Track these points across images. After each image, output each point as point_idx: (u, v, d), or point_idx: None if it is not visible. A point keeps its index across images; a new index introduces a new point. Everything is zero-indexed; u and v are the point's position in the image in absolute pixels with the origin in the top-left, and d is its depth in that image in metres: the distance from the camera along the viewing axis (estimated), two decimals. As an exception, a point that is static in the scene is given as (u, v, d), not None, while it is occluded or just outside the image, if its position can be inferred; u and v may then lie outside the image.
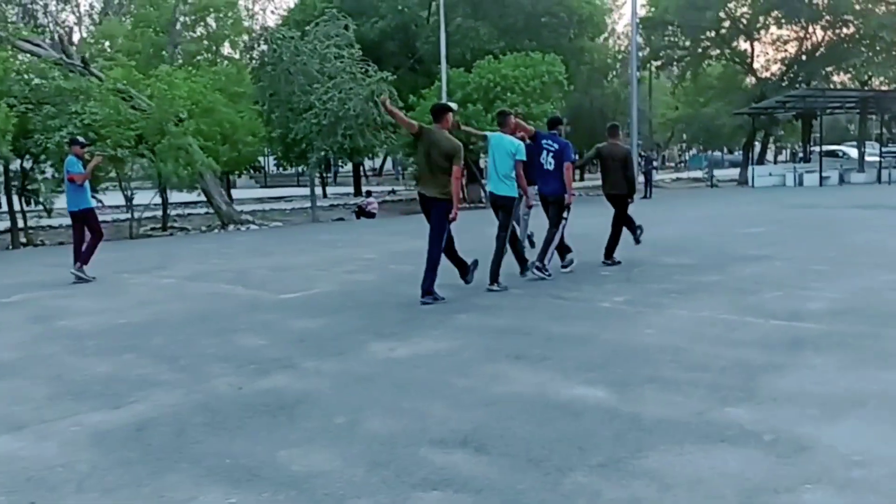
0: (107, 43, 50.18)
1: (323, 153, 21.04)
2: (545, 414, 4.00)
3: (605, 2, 35.49)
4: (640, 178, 27.73)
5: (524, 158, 8.15)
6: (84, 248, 9.97)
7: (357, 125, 20.55)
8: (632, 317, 6.42)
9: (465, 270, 8.03)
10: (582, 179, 41.77)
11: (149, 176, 18.52)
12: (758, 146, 41.61)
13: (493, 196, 8.28)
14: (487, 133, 8.88)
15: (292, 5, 32.04)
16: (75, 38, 60.19)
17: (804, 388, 4.31)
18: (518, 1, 26.93)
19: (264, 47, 21.52)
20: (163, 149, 18.31)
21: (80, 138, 11.27)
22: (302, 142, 21.12)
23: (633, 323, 6.17)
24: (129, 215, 19.22)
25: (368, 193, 24.15)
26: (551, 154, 8.68)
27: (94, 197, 12.12)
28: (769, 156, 61.62)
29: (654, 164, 28.82)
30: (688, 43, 40.54)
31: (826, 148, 45.23)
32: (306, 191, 46.01)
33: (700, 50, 39.73)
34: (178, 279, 9.81)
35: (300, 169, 37.12)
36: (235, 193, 42.44)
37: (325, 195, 39.62)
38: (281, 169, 48.02)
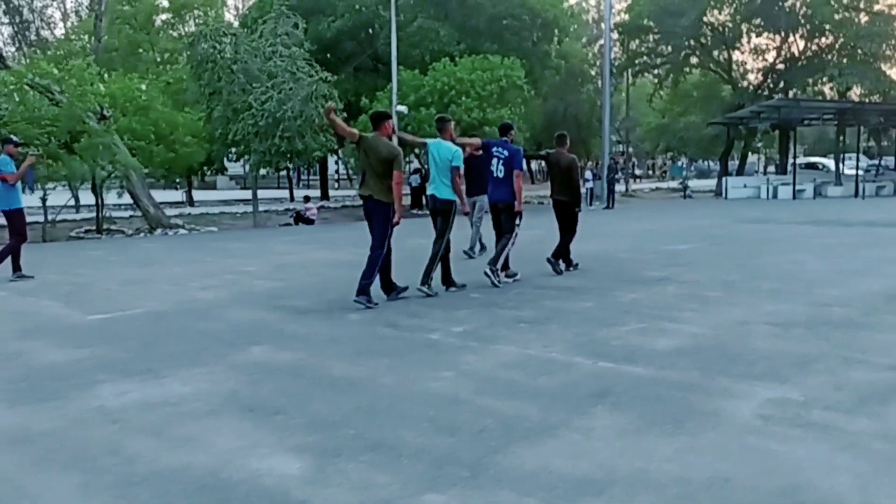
0: (86, 38, 49.46)
1: (261, 155, 20.10)
2: (200, 498, 3.12)
3: (573, 5, 34.57)
4: (605, 187, 26.94)
5: (460, 164, 8.17)
6: (2, 248, 9.98)
7: (296, 127, 19.65)
8: (447, 353, 5.54)
9: (391, 289, 7.94)
10: (533, 182, 40.93)
11: (63, 176, 17.58)
12: (737, 157, 40.84)
13: (434, 199, 8.27)
14: (427, 140, 8.72)
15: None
16: (58, 32, 59.51)
17: (548, 465, 3.42)
18: (479, 2, 26.07)
19: (205, 44, 20.53)
20: (83, 147, 17.46)
21: (14, 137, 11.10)
22: (240, 143, 20.22)
23: (439, 362, 5.28)
24: (43, 217, 18.28)
25: (307, 199, 23.26)
26: (501, 161, 8.78)
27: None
28: (759, 167, 60.99)
29: (618, 174, 27.87)
30: (668, 50, 39.78)
31: (807, 160, 44.54)
32: (282, 193, 45.40)
33: (681, 57, 38.93)
34: (10, 292, 8.93)
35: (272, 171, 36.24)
36: (204, 195, 41.82)
37: (292, 199, 38.85)
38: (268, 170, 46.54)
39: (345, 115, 29.53)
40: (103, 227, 20.00)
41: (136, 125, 19.71)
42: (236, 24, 30.60)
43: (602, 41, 34.39)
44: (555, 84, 39.42)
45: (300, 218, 21.50)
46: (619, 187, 31.52)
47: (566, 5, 31.86)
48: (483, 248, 11.84)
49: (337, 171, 54.58)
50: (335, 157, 34.58)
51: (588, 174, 27.31)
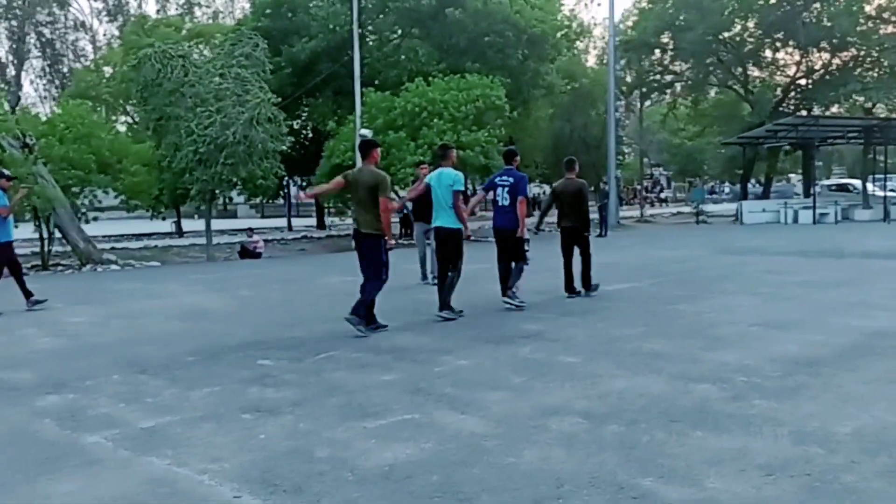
0: (107, 69, 49.33)
1: (203, 184, 18.67)
2: None
3: (580, 22, 32.82)
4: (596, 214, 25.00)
5: (462, 188, 8.28)
6: (18, 282, 10.03)
7: (239, 153, 18.22)
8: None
9: (369, 321, 7.54)
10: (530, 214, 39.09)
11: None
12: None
13: (439, 230, 8.35)
14: (428, 181, 8.57)
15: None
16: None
17: None
18: (460, 19, 24.48)
19: (152, 66, 19.28)
20: (-1, 178, 16.21)
21: (6, 171, 10.94)
22: (184, 172, 18.86)
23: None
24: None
25: (250, 231, 21.72)
26: (507, 189, 8.66)
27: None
28: (799, 188, 57.75)
29: (607, 199, 25.85)
30: (681, 67, 37.73)
31: (838, 181, 41.78)
32: (301, 221, 43.86)
33: (699, 75, 36.79)
34: None
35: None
36: (217, 224, 40.51)
37: (290, 227, 37.49)
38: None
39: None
40: (49, 262, 18.76)
41: (74, 154, 18.45)
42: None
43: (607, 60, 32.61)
44: (562, 105, 37.64)
45: (246, 252, 19.98)
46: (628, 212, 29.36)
47: (560, 21, 30.06)
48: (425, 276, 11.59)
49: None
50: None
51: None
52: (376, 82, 25.83)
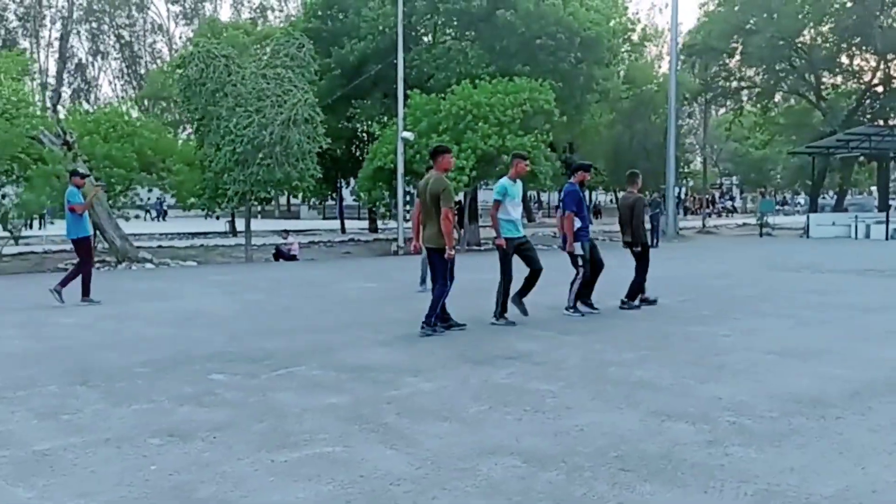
0: (180, 71, 50.44)
1: (241, 185, 18.52)
2: None
3: (627, 24, 31.69)
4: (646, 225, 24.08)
5: (499, 198, 8.27)
6: (69, 272, 10.58)
7: (276, 154, 18.03)
8: None
9: (445, 320, 7.79)
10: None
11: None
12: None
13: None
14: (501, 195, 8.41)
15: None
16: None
17: None
18: (511, 21, 23.80)
19: (195, 66, 19.29)
20: (37, 174, 16.41)
21: (80, 170, 11.43)
22: (223, 173, 18.76)
23: None
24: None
25: (285, 233, 21.44)
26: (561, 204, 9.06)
27: None
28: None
29: (659, 209, 24.80)
30: (752, 72, 36.25)
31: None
32: (359, 224, 43.70)
33: (770, 81, 35.24)
34: None
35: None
36: (277, 224, 40.50)
37: (343, 230, 37.37)
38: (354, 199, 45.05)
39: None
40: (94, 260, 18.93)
41: (116, 152, 18.57)
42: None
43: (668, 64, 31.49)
44: (622, 110, 36.64)
45: (280, 254, 19.76)
46: (687, 222, 28.26)
47: (621, 24, 29.10)
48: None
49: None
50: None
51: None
52: (429, 83, 25.42)
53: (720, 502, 3.41)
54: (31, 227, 18.65)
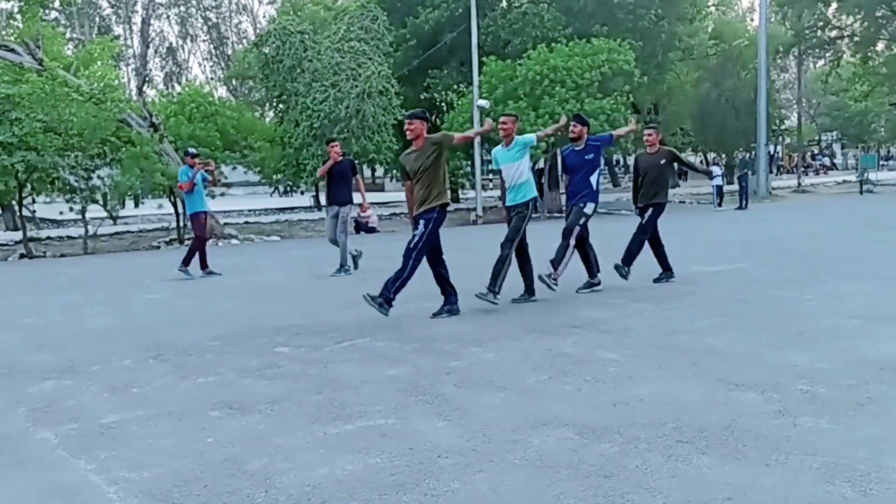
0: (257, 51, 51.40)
1: (319, 160, 18.74)
2: None
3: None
4: (734, 186, 23.21)
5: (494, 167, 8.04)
6: (189, 249, 11.17)
7: (352, 127, 18.17)
8: None
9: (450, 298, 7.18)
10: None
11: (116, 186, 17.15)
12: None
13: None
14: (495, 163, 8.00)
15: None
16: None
17: None
18: (588, -20, 23.21)
19: (272, 44, 19.60)
20: (128, 156, 17.04)
21: (192, 149, 11.87)
22: (302, 148, 19.06)
23: None
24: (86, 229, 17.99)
25: (363, 206, 21.50)
26: None
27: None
28: None
29: (748, 169, 23.80)
30: (850, 21, 34.27)
31: None
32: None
33: (871, 30, 33.24)
34: None
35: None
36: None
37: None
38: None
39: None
40: (185, 237, 19.68)
41: (200, 132, 19.11)
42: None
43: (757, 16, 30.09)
44: (709, 68, 35.33)
45: (360, 227, 19.92)
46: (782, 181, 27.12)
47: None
48: (356, 264, 10.75)
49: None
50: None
51: (717, 170, 23.51)
52: (505, 49, 25.08)
53: (782, 476, 3.23)
54: (124, 206, 19.36)
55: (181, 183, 10.95)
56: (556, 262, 7.73)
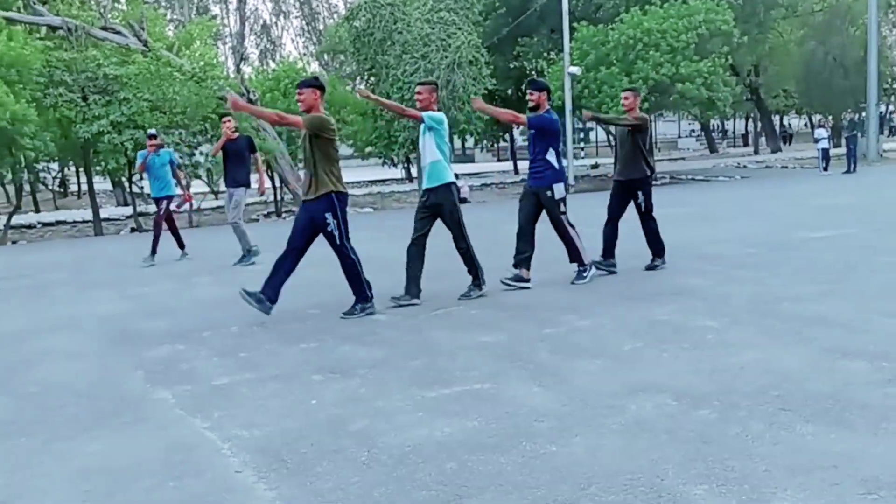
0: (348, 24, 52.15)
1: (409, 132, 18.92)
2: None
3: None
4: (842, 149, 22.12)
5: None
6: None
7: (442, 98, 18.21)
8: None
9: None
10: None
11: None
12: None
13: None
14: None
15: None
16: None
17: None
18: (685, -65, 22.33)
19: (363, 17, 19.81)
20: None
21: (152, 130, 11.48)
22: (394, 121, 19.27)
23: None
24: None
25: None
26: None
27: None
28: None
29: (856, 130, 22.56)
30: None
31: None
32: (505, 165, 43.66)
33: None
34: None
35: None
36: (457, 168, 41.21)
37: (516, 171, 37.25)
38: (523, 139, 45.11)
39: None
40: (283, 210, 20.32)
41: (294, 106, 19.49)
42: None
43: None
44: (814, 25, 33.61)
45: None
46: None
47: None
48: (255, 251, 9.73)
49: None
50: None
51: (822, 132, 22.46)
52: (597, 14, 24.57)
53: (890, 446, 3.13)
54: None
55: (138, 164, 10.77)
56: (575, 258, 7.01)
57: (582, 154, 41.13)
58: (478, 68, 18.64)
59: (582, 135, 37.93)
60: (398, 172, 36.23)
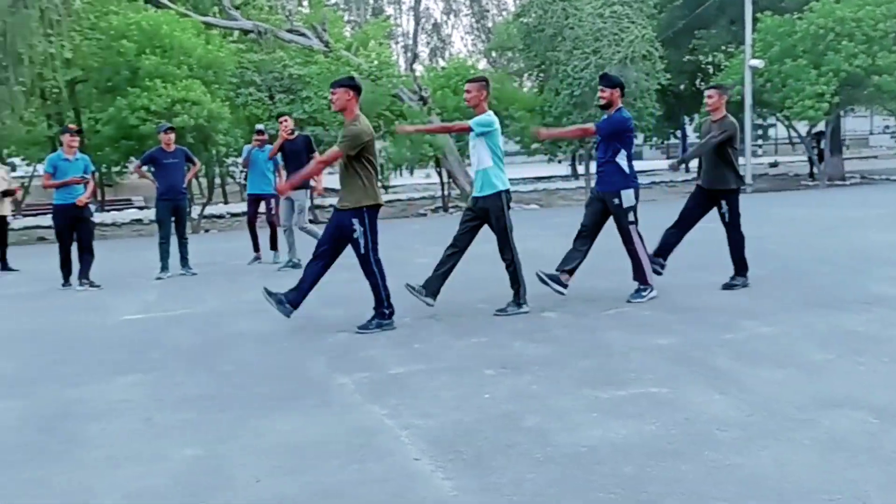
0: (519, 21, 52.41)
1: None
2: None
3: None
4: None
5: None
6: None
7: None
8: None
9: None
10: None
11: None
12: None
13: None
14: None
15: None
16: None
17: None
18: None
19: (534, 13, 19.80)
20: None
21: (260, 126, 11.39)
22: (562, 117, 19.13)
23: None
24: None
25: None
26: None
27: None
28: None
29: None
30: None
31: None
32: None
33: None
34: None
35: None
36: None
37: (686, 169, 35.92)
38: (696, 135, 43.85)
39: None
40: (449, 205, 20.75)
41: (464, 103, 19.81)
42: None
43: None
44: None
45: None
46: None
47: None
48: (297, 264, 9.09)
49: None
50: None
51: None
52: (783, 3, 23.17)
53: None
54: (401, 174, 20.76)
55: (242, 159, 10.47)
56: (639, 276, 6.45)
57: (759, 151, 39.01)
58: (651, 63, 18.11)
59: (760, 131, 35.92)
60: (564, 169, 35.97)
